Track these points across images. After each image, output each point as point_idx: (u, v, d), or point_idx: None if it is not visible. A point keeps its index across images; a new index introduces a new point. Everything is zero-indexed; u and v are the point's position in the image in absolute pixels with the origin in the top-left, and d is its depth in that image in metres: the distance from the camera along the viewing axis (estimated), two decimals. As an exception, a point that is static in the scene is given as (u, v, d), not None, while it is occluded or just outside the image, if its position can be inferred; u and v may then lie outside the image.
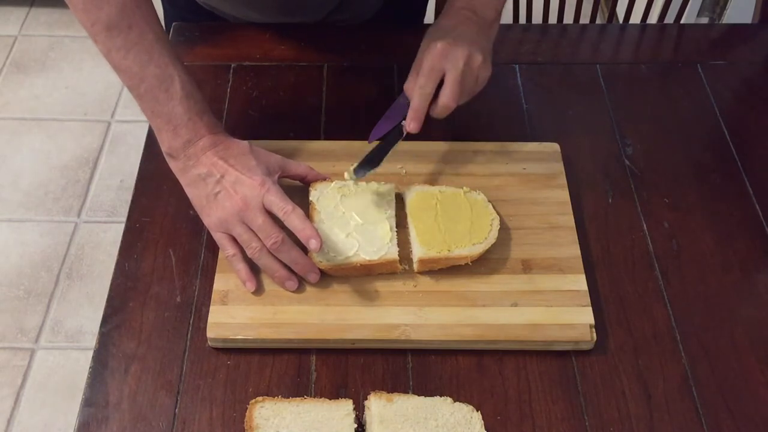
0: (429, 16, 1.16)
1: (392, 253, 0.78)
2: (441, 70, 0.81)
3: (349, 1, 1.04)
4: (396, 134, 0.84)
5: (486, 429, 0.69)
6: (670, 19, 1.35)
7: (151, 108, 0.77)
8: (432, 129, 0.86)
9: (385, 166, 0.87)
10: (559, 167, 0.90)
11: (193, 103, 0.77)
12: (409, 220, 0.82)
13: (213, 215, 0.77)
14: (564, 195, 0.87)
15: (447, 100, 0.81)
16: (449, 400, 0.71)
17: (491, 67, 0.85)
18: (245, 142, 0.80)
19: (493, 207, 0.84)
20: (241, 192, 0.75)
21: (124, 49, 0.75)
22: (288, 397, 0.71)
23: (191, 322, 0.78)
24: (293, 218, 0.75)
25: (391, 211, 0.82)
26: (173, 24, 1.09)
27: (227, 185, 0.76)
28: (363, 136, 0.92)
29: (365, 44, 1.04)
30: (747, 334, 0.78)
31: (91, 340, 0.78)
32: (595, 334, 0.75)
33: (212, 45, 1.05)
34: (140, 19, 0.75)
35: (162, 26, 0.79)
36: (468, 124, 0.96)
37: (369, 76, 1.00)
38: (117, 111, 2.14)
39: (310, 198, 0.83)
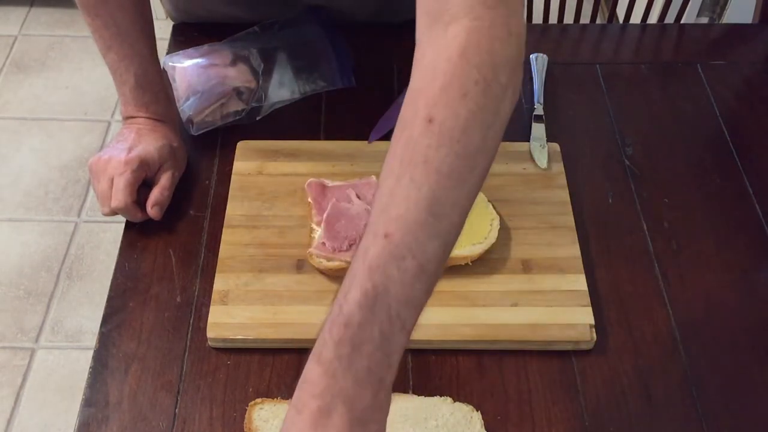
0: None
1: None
2: None
3: None
4: None
5: (486, 429, 0.69)
6: (670, 19, 1.35)
7: (113, 81, 0.88)
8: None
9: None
10: (559, 167, 0.90)
11: (142, 94, 0.87)
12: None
13: (92, 158, 0.86)
14: (564, 195, 0.87)
15: None
16: (449, 400, 0.71)
17: None
18: (165, 140, 0.87)
19: (493, 207, 0.84)
20: (111, 157, 0.84)
21: (93, 31, 0.85)
22: (288, 398, 0.71)
23: (191, 322, 0.78)
24: (103, 211, 0.84)
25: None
26: (173, 24, 1.09)
27: (113, 145, 0.86)
28: (363, 136, 0.92)
29: (365, 44, 1.04)
30: (747, 334, 0.78)
31: (91, 340, 0.78)
32: (595, 334, 0.75)
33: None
34: (106, 10, 0.83)
35: (139, 18, 0.85)
36: (468, 124, 0.96)
37: (369, 76, 1.00)
38: (117, 111, 2.14)
39: (309, 199, 0.84)
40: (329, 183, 0.85)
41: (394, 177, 0.53)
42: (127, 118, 0.89)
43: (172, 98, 0.92)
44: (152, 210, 0.84)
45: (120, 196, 0.82)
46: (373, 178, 0.85)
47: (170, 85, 0.94)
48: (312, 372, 0.51)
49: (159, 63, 0.90)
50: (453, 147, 0.52)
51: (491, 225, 0.81)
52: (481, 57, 0.54)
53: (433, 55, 0.55)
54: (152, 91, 0.88)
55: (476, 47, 0.54)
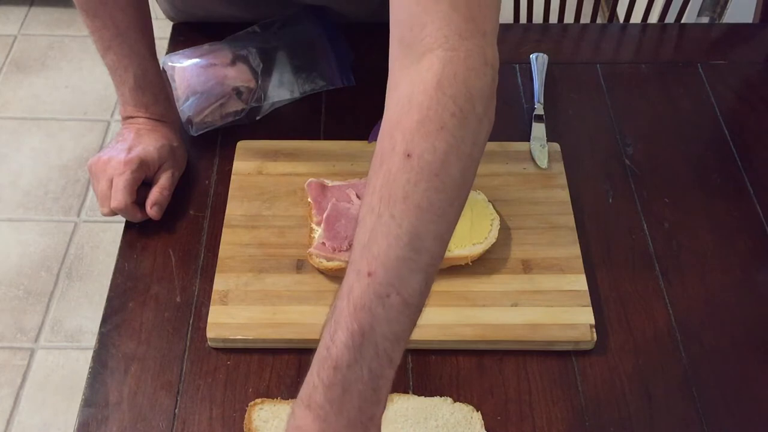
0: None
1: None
2: None
3: None
4: None
5: (486, 429, 0.69)
6: (670, 18, 1.35)
7: (113, 82, 0.88)
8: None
9: (385, 166, 0.87)
10: (559, 167, 0.90)
11: (141, 95, 0.87)
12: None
13: (92, 158, 0.86)
14: (564, 195, 0.87)
15: None
16: (449, 400, 0.71)
17: None
18: (165, 140, 0.86)
19: (493, 207, 0.84)
20: (110, 158, 0.84)
21: (92, 32, 0.85)
22: (288, 398, 0.71)
23: (191, 322, 0.78)
24: (102, 211, 0.84)
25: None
26: (173, 24, 1.09)
27: (113, 145, 0.86)
28: (363, 136, 0.92)
29: (365, 44, 1.04)
30: (747, 334, 0.78)
31: (91, 340, 0.78)
32: (595, 334, 0.75)
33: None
34: (105, 11, 0.82)
35: (138, 18, 0.84)
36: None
37: (369, 76, 1.00)
38: (117, 111, 2.14)
39: (309, 199, 0.84)
40: (329, 183, 0.85)
41: (375, 214, 0.53)
42: (126, 118, 0.89)
43: (171, 98, 0.92)
44: (151, 210, 0.84)
45: (119, 196, 0.82)
46: (373, 178, 0.85)
47: (170, 85, 0.94)
48: (303, 418, 0.52)
49: (158, 63, 0.90)
50: (432, 182, 0.52)
51: (491, 225, 0.81)
52: (457, 88, 0.54)
53: (408, 86, 0.55)
54: (152, 91, 0.88)
55: (452, 78, 0.54)
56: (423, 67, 0.54)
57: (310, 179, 0.85)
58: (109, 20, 0.83)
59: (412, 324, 0.54)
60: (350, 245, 0.79)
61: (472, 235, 0.79)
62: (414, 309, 0.53)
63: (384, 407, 0.53)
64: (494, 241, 0.80)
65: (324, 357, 0.52)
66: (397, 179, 0.52)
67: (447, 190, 0.53)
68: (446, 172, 0.53)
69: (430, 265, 0.54)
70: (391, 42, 0.58)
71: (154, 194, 0.84)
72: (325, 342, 0.52)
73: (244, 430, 0.68)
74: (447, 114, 0.53)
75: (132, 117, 0.88)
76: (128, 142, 0.85)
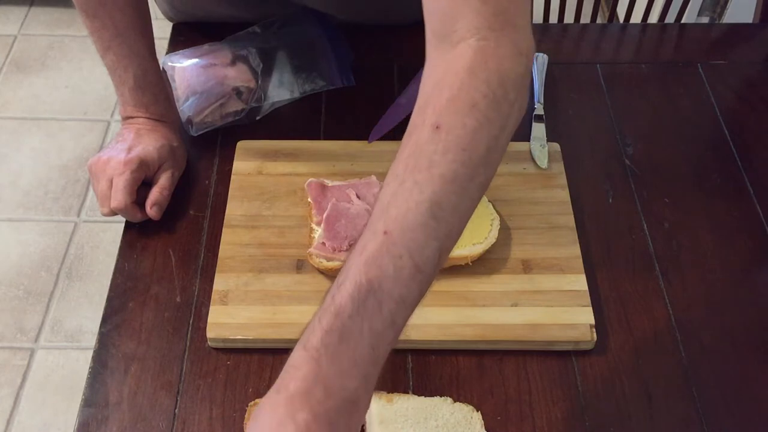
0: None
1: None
2: None
3: None
4: None
5: (486, 429, 0.69)
6: (670, 18, 1.35)
7: (112, 82, 0.88)
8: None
9: (385, 166, 0.87)
10: (559, 167, 0.90)
11: (141, 95, 0.87)
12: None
13: (92, 158, 0.86)
14: (564, 195, 0.87)
15: None
16: (449, 400, 0.71)
17: None
18: (165, 140, 0.86)
19: (493, 207, 0.84)
20: (110, 158, 0.84)
21: (91, 32, 0.85)
22: (288, 397, 0.71)
23: (191, 322, 0.78)
24: (102, 211, 0.84)
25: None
26: (173, 24, 1.09)
27: (113, 145, 0.86)
28: (363, 136, 0.92)
29: (365, 44, 1.04)
30: (747, 334, 0.78)
31: (91, 340, 0.78)
32: (595, 334, 0.75)
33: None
34: (104, 11, 0.83)
35: (137, 18, 0.84)
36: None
37: (369, 76, 1.00)
38: (117, 111, 2.14)
39: (309, 199, 0.84)
40: (329, 183, 0.85)
41: (398, 180, 0.53)
42: (126, 118, 0.89)
43: (171, 98, 0.92)
44: (151, 210, 0.84)
45: (119, 196, 0.82)
46: (374, 177, 0.85)
47: (170, 85, 0.94)
48: (297, 357, 0.51)
49: (158, 63, 0.90)
50: (458, 154, 0.53)
51: (491, 225, 0.81)
52: (489, 73, 0.55)
53: (442, 71, 0.56)
54: (151, 91, 0.88)
55: (483, 64, 0.55)
56: (456, 54, 0.56)
57: (310, 179, 0.85)
58: (109, 20, 0.83)
59: (419, 293, 0.53)
60: (350, 245, 0.79)
61: (472, 235, 0.79)
62: (423, 277, 0.52)
63: (379, 371, 0.52)
64: (494, 241, 0.80)
65: (328, 304, 0.51)
66: (424, 149, 0.53)
67: (472, 166, 0.54)
68: (473, 147, 0.53)
69: (447, 237, 0.54)
70: (426, 34, 0.59)
71: (154, 194, 0.84)
72: (331, 291, 0.52)
73: (244, 429, 0.68)
74: (479, 95, 0.54)
75: (132, 117, 0.88)
76: (128, 142, 0.85)
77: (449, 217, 0.53)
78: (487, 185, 0.56)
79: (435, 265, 0.53)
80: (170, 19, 1.10)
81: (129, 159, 0.83)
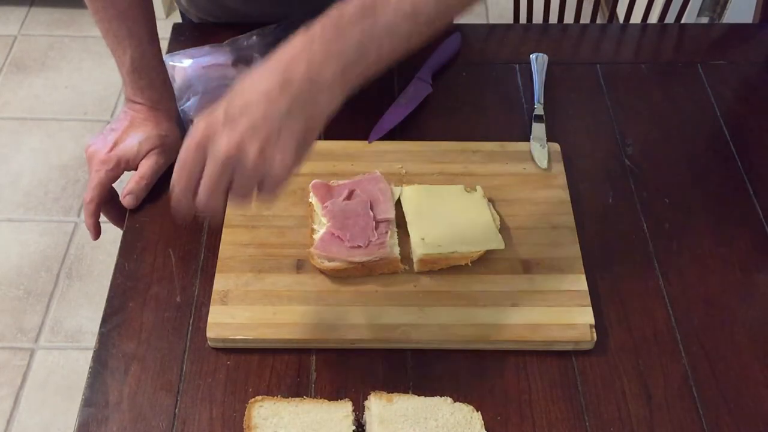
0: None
1: (393, 252, 0.78)
2: (200, 162, 0.60)
3: None
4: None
5: (486, 429, 0.69)
6: (670, 19, 1.35)
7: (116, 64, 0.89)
8: (432, 129, 0.86)
9: (385, 166, 0.87)
10: (559, 167, 0.90)
11: (138, 78, 0.87)
12: (409, 219, 0.82)
13: (90, 140, 0.88)
14: (564, 195, 0.87)
15: (200, 202, 0.62)
16: (449, 400, 0.71)
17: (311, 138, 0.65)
18: (155, 130, 0.87)
19: (493, 207, 0.84)
20: (96, 151, 0.86)
21: (93, 13, 0.86)
22: (288, 397, 0.71)
23: (191, 322, 0.78)
24: (84, 209, 0.87)
25: (392, 211, 0.82)
26: (173, 24, 1.09)
27: (107, 131, 0.88)
28: (363, 136, 0.92)
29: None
30: (747, 334, 0.78)
31: (91, 340, 0.78)
32: (595, 334, 0.75)
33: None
34: None
35: (137, 3, 0.85)
36: (468, 124, 0.96)
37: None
38: (117, 111, 2.14)
39: (310, 199, 0.84)
40: (334, 183, 0.85)
41: None
42: (127, 100, 0.90)
43: (169, 84, 0.91)
44: (125, 198, 0.85)
45: (88, 193, 0.85)
46: (377, 172, 0.85)
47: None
48: (295, 38, 0.59)
49: (159, 48, 0.89)
50: None
51: (492, 225, 0.81)
52: None
53: None
54: (148, 75, 0.88)
55: None
56: None
57: (314, 180, 0.85)
58: (109, 1, 0.84)
59: (409, 37, 0.62)
60: (368, 243, 0.78)
61: (472, 236, 0.79)
62: (416, 23, 0.61)
63: (353, 82, 0.62)
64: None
65: (334, 8, 0.59)
66: None
67: None
68: None
69: None
70: None
71: (131, 183, 0.86)
72: (339, 4, 0.60)
73: (244, 427, 0.68)
74: None
75: (131, 101, 0.89)
76: (117, 133, 0.87)
77: None
78: None
79: (430, 16, 0.62)
80: (189, 15, 1.10)
81: (108, 158, 0.85)
